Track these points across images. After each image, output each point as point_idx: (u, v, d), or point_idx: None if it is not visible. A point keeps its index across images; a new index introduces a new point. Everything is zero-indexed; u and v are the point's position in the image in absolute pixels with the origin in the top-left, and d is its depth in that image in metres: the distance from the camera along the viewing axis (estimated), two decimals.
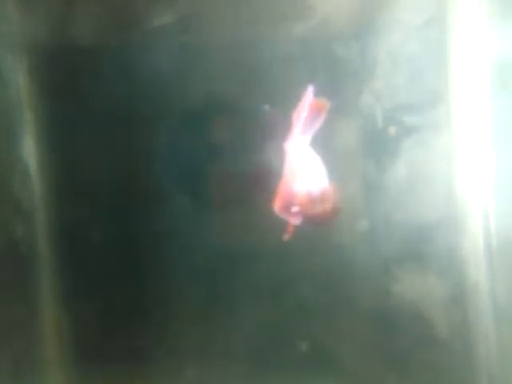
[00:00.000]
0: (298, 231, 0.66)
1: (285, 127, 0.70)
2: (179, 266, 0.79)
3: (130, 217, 0.79)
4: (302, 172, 0.68)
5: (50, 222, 0.80)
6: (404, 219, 0.74)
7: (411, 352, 0.77)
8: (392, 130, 0.75)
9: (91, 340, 0.80)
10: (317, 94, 0.70)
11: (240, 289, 0.78)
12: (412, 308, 0.76)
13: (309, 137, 0.70)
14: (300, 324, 0.78)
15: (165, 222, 0.78)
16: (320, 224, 0.67)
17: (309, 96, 0.69)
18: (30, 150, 0.79)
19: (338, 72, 0.76)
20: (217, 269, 0.78)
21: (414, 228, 0.75)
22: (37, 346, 0.81)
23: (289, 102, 0.71)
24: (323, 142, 0.73)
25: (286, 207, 0.66)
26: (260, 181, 0.74)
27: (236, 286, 0.78)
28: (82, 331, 0.80)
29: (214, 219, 0.78)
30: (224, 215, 0.78)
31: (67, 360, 0.81)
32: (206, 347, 0.79)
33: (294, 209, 0.66)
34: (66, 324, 0.81)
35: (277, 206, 0.67)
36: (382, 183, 0.75)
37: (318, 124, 0.70)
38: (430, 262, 0.75)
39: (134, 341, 0.79)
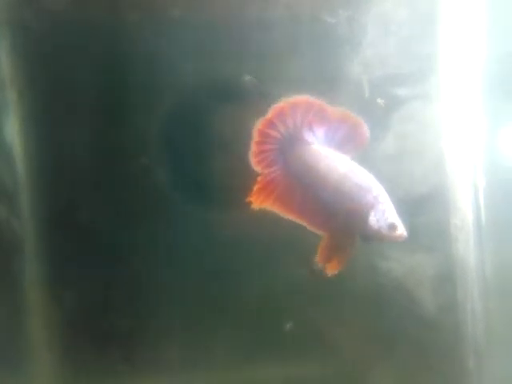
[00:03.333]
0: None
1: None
2: (166, 249, 0.77)
3: (115, 200, 0.77)
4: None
5: (34, 205, 0.77)
6: (392, 193, 0.72)
7: (399, 329, 0.76)
8: (381, 100, 0.72)
9: (77, 325, 0.78)
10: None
11: (225, 270, 0.76)
12: (400, 284, 0.75)
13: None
14: (287, 303, 0.77)
15: (152, 206, 0.76)
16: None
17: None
18: (13, 131, 0.76)
19: (326, 41, 0.73)
20: (201, 252, 0.76)
21: (402, 202, 0.73)
22: (21, 331, 0.78)
23: (276, 72, 0.69)
24: None
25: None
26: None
27: (221, 269, 0.77)
28: (68, 316, 0.78)
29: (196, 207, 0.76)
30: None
31: (53, 345, 0.79)
32: (192, 327, 0.78)
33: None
34: (50, 309, 0.79)
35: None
36: (370, 155, 0.73)
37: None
38: (418, 238, 0.74)
39: (120, 326, 0.78)
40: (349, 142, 0.63)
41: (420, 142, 0.73)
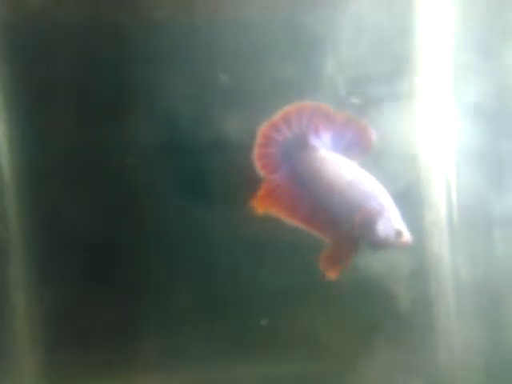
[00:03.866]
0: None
1: None
2: (152, 249, 0.77)
3: (103, 198, 0.76)
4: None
5: (18, 206, 0.76)
6: None
7: (374, 325, 0.77)
8: (355, 100, 0.73)
9: (63, 326, 0.78)
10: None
11: (199, 264, 0.76)
12: (376, 281, 0.75)
13: None
14: (263, 298, 0.77)
15: (139, 203, 0.76)
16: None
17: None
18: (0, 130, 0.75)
19: (301, 40, 0.74)
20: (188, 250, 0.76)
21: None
22: (4, 331, 0.77)
23: (252, 72, 0.69)
24: None
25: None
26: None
27: (195, 262, 0.76)
28: (53, 317, 0.77)
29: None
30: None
31: (36, 345, 0.78)
32: (167, 320, 0.78)
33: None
34: (34, 309, 0.78)
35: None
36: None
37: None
38: None
39: (104, 325, 0.77)
40: (355, 147, 0.62)
41: (395, 139, 0.74)
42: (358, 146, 0.62)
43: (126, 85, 0.74)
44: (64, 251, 0.76)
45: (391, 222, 0.60)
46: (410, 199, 0.74)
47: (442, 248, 0.76)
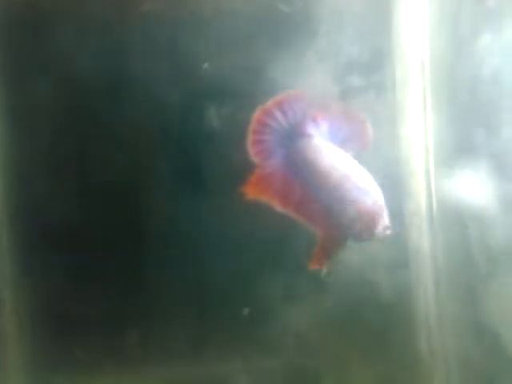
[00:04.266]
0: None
1: None
2: (144, 241, 0.77)
3: (92, 190, 0.76)
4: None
5: (6, 201, 0.76)
6: None
7: (354, 314, 0.77)
8: (335, 90, 0.73)
9: (49, 319, 0.77)
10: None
11: (183, 254, 0.76)
12: (356, 270, 0.76)
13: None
14: (244, 288, 0.77)
15: (130, 195, 0.76)
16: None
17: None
18: None
19: (281, 30, 0.73)
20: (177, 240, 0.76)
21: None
22: None
23: (233, 61, 0.69)
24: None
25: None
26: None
27: (177, 253, 0.76)
28: (42, 309, 0.77)
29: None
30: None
31: (26, 341, 0.78)
32: (149, 311, 0.77)
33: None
34: (23, 303, 0.77)
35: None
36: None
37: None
38: None
39: (93, 320, 0.77)
40: (352, 140, 0.61)
41: (374, 130, 0.74)
42: (355, 139, 0.61)
43: (116, 78, 0.74)
44: (52, 244, 0.75)
45: (383, 218, 0.60)
46: (389, 190, 0.75)
47: (422, 238, 0.76)
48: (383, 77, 0.74)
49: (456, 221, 0.77)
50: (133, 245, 0.76)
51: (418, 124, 0.75)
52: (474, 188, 0.75)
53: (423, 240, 0.76)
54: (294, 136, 0.62)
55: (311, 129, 0.61)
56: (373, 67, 0.74)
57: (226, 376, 0.78)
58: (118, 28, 0.73)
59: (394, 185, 0.75)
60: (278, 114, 0.61)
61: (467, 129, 0.76)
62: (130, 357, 0.78)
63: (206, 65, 0.72)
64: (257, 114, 0.61)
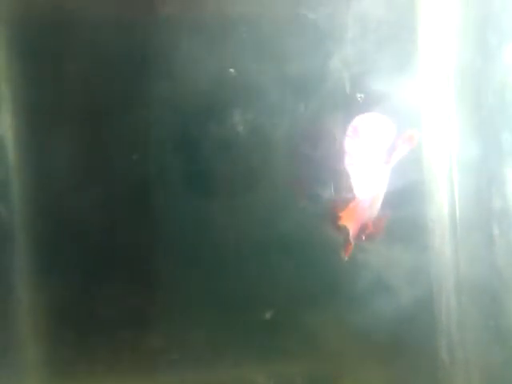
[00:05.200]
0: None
1: None
2: (158, 239, 0.77)
3: (108, 191, 0.76)
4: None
5: (24, 196, 0.76)
6: None
7: (374, 321, 0.77)
8: (360, 96, 0.74)
9: (67, 317, 0.77)
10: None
11: (206, 257, 0.77)
12: (377, 277, 0.76)
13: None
14: (264, 292, 0.77)
15: (145, 196, 0.76)
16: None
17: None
18: (6, 122, 0.75)
19: (306, 37, 0.74)
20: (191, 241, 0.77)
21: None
22: (8, 321, 0.77)
23: (257, 68, 0.70)
24: (291, 108, 0.72)
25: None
26: None
27: (203, 254, 0.77)
28: (58, 309, 0.77)
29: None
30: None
31: (42, 339, 0.78)
32: (168, 314, 0.78)
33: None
34: (39, 299, 0.77)
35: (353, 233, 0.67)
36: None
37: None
38: (395, 231, 0.75)
39: (109, 319, 0.77)
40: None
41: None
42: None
43: (134, 80, 0.75)
44: (69, 244, 0.76)
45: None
46: (412, 196, 0.75)
47: (444, 245, 0.76)
48: (408, 83, 0.74)
49: (479, 228, 0.76)
50: (154, 247, 0.77)
51: (442, 130, 0.75)
52: (497, 194, 0.75)
53: (445, 247, 0.76)
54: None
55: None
56: (396, 74, 0.74)
57: (244, 380, 0.79)
58: (140, 30, 0.74)
59: (416, 192, 0.75)
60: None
61: (492, 134, 0.75)
62: (148, 359, 0.78)
63: (231, 70, 0.73)
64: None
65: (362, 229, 0.68)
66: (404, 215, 0.75)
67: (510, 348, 0.76)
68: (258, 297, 0.77)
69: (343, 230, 0.66)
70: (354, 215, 0.67)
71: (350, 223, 0.66)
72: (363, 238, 0.68)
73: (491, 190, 0.75)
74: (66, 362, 0.78)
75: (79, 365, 0.77)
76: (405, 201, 0.75)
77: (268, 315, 0.76)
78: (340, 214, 0.67)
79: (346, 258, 0.69)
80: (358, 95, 0.74)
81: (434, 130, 0.75)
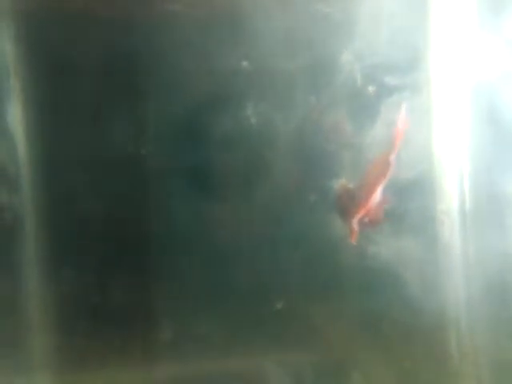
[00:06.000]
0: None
1: None
2: (165, 234, 0.78)
3: (119, 187, 0.77)
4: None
5: (36, 191, 0.77)
6: None
7: (384, 312, 0.77)
8: (371, 89, 0.74)
9: (75, 307, 0.78)
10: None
11: (219, 248, 0.78)
12: (386, 268, 0.76)
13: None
14: (276, 284, 0.78)
15: (154, 194, 0.77)
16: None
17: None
18: (16, 117, 0.76)
19: (318, 30, 0.75)
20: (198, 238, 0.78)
21: (390, 188, 0.75)
22: (21, 314, 0.78)
23: (270, 60, 0.71)
24: (301, 100, 0.73)
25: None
26: None
27: (216, 246, 0.78)
28: (68, 305, 0.78)
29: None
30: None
31: (53, 333, 0.78)
32: (179, 306, 0.79)
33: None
34: (49, 290, 0.78)
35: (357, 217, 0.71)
36: (360, 143, 0.75)
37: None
38: (405, 222, 0.75)
39: (123, 309, 0.78)
40: None
41: (409, 129, 0.75)
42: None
43: (143, 73, 0.75)
44: (79, 236, 0.77)
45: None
46: (422, 188, 0.75)
47: (453, 237, 0.76)
48: (419, 76, 0.75)
49: (489, 219, 0.76)
50: (166, 237, 0.78)
51: (452, 123, 0.75)
52: (507, 185, 0.75)
53: (455, 239, 0.76)
54: None
55: None
56: (408, 67, 0.74)
57: (255, 371, 0.79)
58: (152, 23, 0.74)
59: (426, 184, 0.75)
60: None
61: (504, 125, 0.75)
62: (159, 351, 0.78)
63: (244, 63, 0.74)
64: None
65: (365, 214, 0.70)
66: (414, 206, 0.75)
67: None
68: (269, 287, 0.78)
69: (347, 217, 0.68)
70: (356, 202, 0.70)
71: (353, 209, 0.69)
72: (367, 222, 0.70)
73: (501, 181, 0.76)
74: (76, 353, 0.78)
75: (90, 355, 0.78)
76: (415, 192, 0.75)
77: (279, 305, 0.77)
78: (344, 202, 0.68)
79: (354, 243, 0.72)
80: (370, 88, 0.74)
81: (444, 121, 0.75)
